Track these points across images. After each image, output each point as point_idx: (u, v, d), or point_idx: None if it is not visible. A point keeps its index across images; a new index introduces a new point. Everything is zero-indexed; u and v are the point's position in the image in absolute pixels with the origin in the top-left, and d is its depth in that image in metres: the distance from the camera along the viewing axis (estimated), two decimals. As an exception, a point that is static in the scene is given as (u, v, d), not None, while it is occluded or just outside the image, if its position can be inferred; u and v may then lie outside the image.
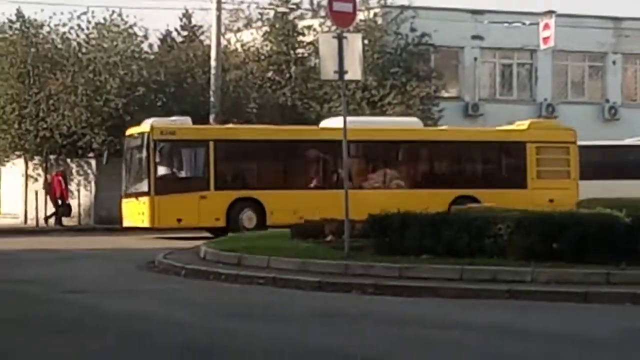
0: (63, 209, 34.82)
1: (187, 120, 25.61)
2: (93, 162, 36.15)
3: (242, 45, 36.70)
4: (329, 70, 17.77)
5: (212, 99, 32.05)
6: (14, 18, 36.15)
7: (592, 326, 10.74)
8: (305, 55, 34.60)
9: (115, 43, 34.90)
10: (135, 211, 21.43)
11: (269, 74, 35.74)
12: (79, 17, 35.38)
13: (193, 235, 25.85)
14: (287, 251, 17.79)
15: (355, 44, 17.71)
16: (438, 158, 27.83)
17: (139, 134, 21.48)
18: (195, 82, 34.57)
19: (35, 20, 36.07)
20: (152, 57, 36.42)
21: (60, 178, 34.37)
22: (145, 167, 21.18)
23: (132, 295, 14.77)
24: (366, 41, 22.16)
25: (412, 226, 17.31)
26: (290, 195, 24.71)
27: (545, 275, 14.03)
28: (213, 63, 32.50)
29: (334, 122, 25.72)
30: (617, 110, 41.94)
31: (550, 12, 37.29)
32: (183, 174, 21.72)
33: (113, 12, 35.70)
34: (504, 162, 28.76)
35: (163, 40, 39.67)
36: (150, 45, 37.57)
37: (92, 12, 35.46)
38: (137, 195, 21.27)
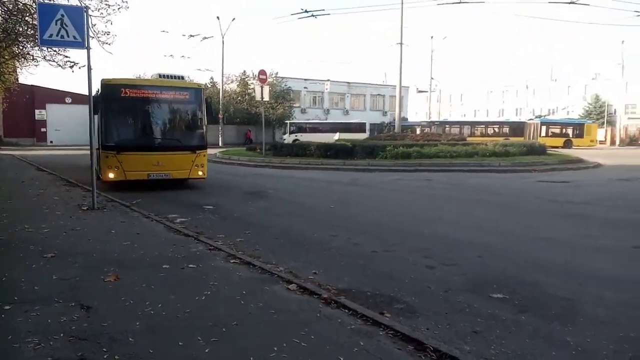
0: None
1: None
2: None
3: (230, 88, 33.11)
4: (258, 96, 16.68)
5: (220, 105, 28.99)
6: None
7: (340, 178, 10.48)
8: (250, 91, 30.84)
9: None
10: (187, 163, 7.61)
11: (239, 98, 32.42)
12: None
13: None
14: (245, 155, 16.70)
15: (266, 89, 16.67)
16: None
17: (186, 87, 8.08)
18: (214, 100, 30.21)
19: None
20: None
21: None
22: (197, 122, 7.98)
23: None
24: (269, 88, 20.40)
25: (284, 146, 16.65)
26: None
27: (326, 162, 13.62)
28: (221, 94, 29.61)
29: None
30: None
31: (328, 80, 35.30)
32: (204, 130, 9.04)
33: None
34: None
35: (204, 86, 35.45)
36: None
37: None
38: (193, 148, 7.72)
